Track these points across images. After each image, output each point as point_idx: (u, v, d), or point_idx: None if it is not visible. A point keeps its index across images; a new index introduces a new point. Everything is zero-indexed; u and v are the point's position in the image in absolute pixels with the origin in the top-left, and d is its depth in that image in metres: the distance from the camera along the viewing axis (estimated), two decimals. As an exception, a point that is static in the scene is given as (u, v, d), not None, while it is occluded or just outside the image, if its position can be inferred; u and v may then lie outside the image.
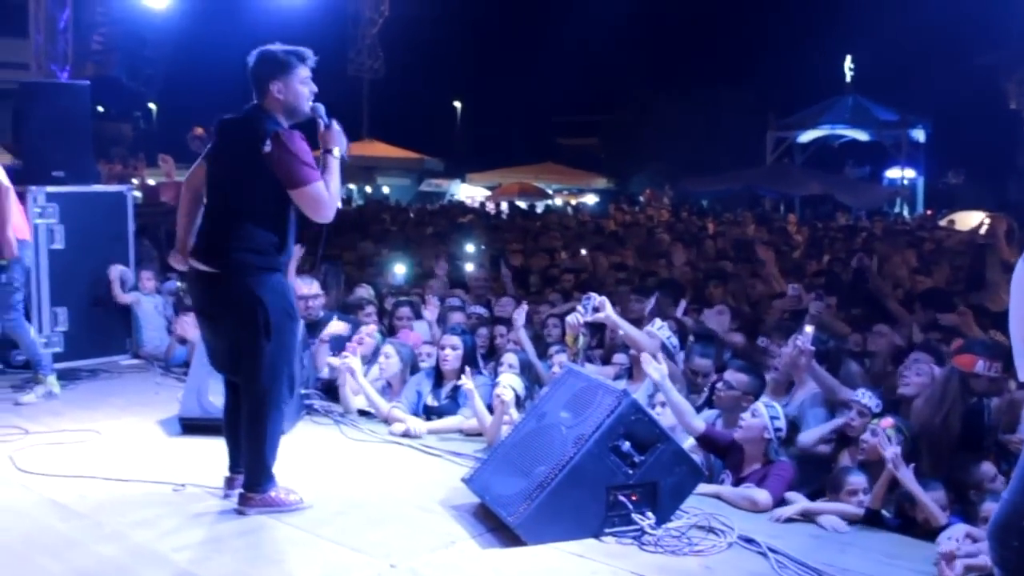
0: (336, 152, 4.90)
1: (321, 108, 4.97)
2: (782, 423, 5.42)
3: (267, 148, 4.66)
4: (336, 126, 4.97)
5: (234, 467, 5.15)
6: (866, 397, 5.56)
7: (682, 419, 5.64)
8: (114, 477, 5.41)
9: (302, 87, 4.88)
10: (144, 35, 13.10)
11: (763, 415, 5.40)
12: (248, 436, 4.92)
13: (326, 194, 4.78)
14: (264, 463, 4.91)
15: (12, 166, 9.46)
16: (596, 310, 6.34)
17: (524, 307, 7.52)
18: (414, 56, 38.55)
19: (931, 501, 4.77)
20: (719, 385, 6.08)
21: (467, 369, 6.43)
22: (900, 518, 4.93)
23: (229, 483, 5.15)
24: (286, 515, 4.89)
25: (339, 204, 5.02)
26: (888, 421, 5.19)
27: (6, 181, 7.08)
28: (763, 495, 5.16)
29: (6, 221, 7.01)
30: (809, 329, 6.03)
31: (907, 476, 4.79)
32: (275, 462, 4.98)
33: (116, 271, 8.70)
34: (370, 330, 7.42)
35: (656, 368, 5.60)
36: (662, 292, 8.78)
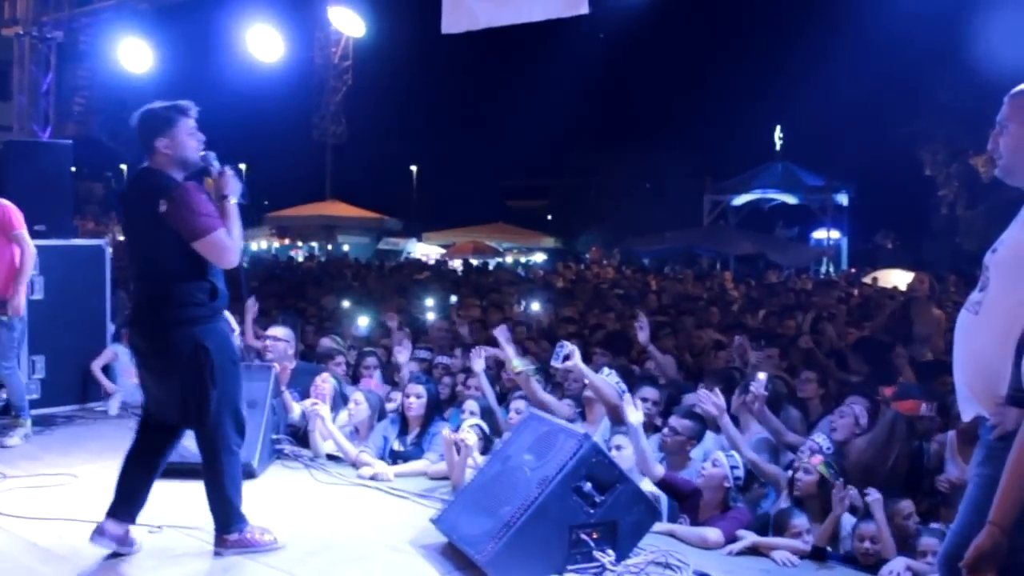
0: (232, 199, 4.72)
1: (212, 156, 4.79)
2: (741, 472, 5.42)
3: (163, 208, 4.49)
4: (229, 171, 4.79)
5: (114, 513, 4.76)
6: (820, 437, 5.61)
7: (645, 464, 5.60)
8: (92, 519, 5.19)
9: (189, 138, 4.69)
10: (124, 98, 13.00)
11: (724, 465, 5.39)
12: (209, 481, 4.78)
13: (228, 241, 4.60)
14: (231, 504, 4.77)
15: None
16: (567, 358, 6.31)
17: (483, 354, 7.45)
18: (374, 123, 38.72)
19: (889, 535, 4.79)
20: (665, 431, 6.08)
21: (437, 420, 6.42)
22: (843, 553, 4.94)
23: (100, 529, 4.72)
24: (261, 555, 4.76)
25: (241, 248, 4.79)
26: (817, 458, 5.25)
27: (32, 248, 7.12)
28: (714, 533, 5.15)
29: (24, 283, 7.08)
30: (762, 376, 6.08)
31: (881, 517, 4.83)
32: (241, 502, 4.83)
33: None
34: (325, 377, 7.31)
35: (635, 414, 5.58)
36: (608, 344, 8.85)
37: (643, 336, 7.89)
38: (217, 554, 4.76)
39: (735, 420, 6.19)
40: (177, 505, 5.53)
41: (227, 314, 5.20)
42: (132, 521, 4.83)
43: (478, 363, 7.19)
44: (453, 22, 8.15)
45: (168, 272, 4.59)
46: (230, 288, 4.84)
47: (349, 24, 12.78)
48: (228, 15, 12.29)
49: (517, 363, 6.82)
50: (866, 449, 5.56)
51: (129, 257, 4.86)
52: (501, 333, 7.13)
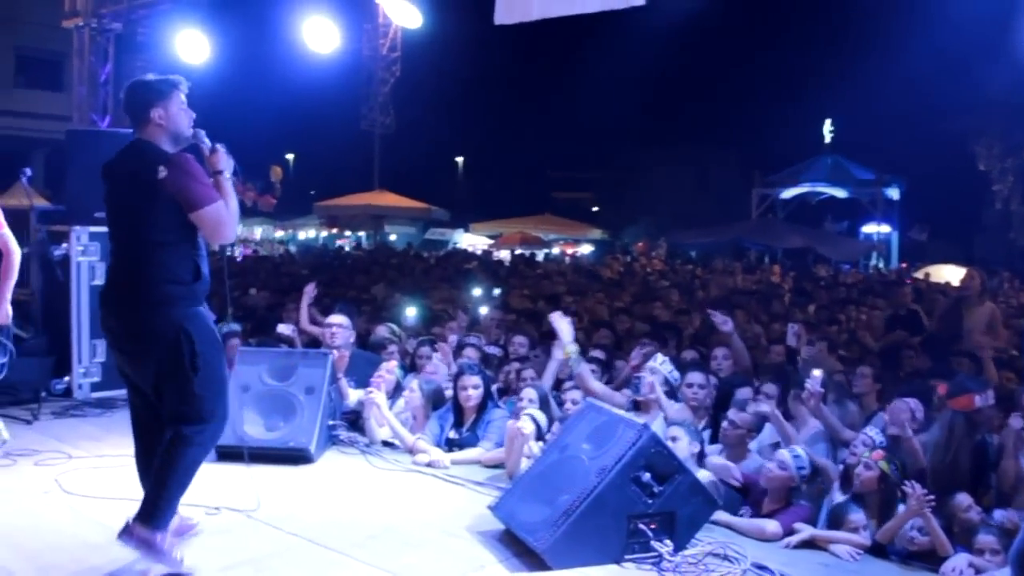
0: (227, 173, 4.54)
1: (202, 133, 4.63)
2: (806, 467, 5.39)
3: (162, 173, 4.27)
4: (221, 148, 4.60)
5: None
6: (872, 431, 5.57)
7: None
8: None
9: (181, 112, 4.52)
10: (181, 89, 13.18)
11: (790, 465, 5.36)
12: (160, 468, 4.34)
13: (226, 214, 4.42)
14: (167, 502, 4.32)
15: (52, 207, 9.55)
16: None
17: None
18: (422, 114, 38.85)
19: (943, 534, 4.74)
20: (724, 424, 6.08)
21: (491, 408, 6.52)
22: (903, 549, 4.90)
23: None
24: (160, 563, 4.27)
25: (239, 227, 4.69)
26: (879, 453, 5.20)
27: (17, 248, 6.29)
28: (772, 525, 5.14)
29: (9, 288, 6.26)
30: (818, 373, 6.05)
31: (933, 521, 4.76)
32: (176, 505, 4.42)
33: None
34: (391, 366, 7.39)
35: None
36: (660, 334, 8.85)
37: (727, 328, 7.81)
38: (121, 540, 4.27)
39: (787, 414, 6.20)
40: (235, 488, 5.63)
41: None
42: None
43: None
44: (506, 13, 8.15)
45: (154, 244, 4.34)
46: (212, 281, 4.61)
47: (406, 15, 12.82)
48: (282, 7, 12.43)
49: (570, 348, 6.82)
50: (928, 451, 5.49)
51: (111, 231, 4.60)
52: (559, 319, 7.10)
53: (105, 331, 4.66)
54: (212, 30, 12.14)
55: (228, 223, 4.44)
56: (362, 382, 7.34)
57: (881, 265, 31.79)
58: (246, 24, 15.13)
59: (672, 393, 6.58)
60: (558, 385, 7.33)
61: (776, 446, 5.86)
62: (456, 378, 6.90)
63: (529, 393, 6.71)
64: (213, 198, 4.36)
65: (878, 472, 5.12)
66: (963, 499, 5.05)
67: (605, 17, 7.90)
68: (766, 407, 5.95)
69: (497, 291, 14.24)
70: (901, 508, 5.04)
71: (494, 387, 7.39)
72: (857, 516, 5.11)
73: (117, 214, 4.54)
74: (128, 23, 12.64)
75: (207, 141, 4.62)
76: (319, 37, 11.80)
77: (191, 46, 11.95)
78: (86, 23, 12.59)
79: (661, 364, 6.65)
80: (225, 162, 4.55)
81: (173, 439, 4.35)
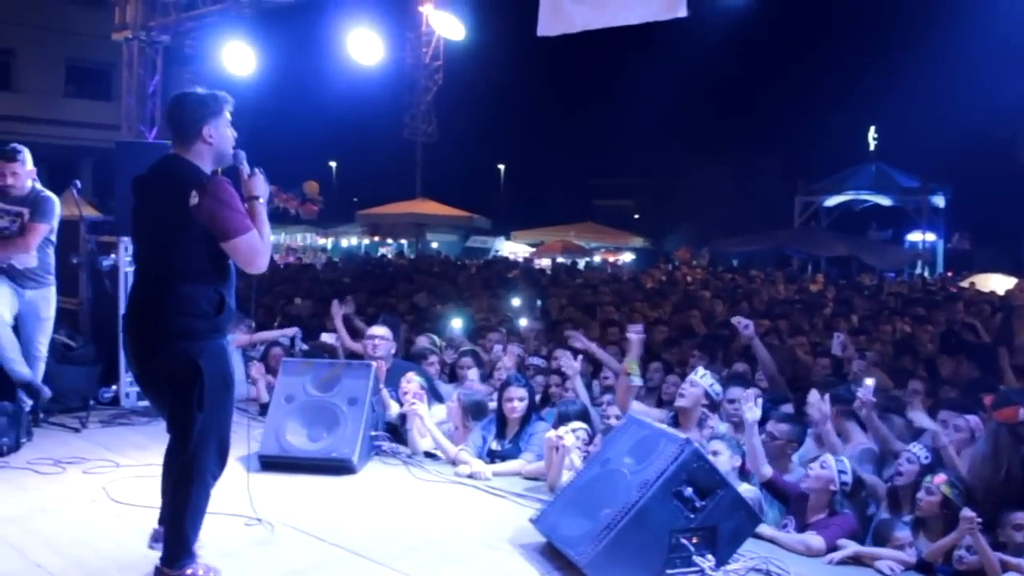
0: (262, 200, 4.38)
1: (243, 155, 4.47)
2: (848, 476, 5.33)
3: (194, 200, 4.10)
4: (259, 172, 4.47)
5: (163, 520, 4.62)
6: (917, 448, 5.50)
7: (755, 463, 5.59)
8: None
9: (228, 130, 4.41)
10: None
11: (831, 467, 5.32)
12: (170, 507, 4.37)
13: (260, 244, 4.25)
14: (184, 538, 4.30)
15: (101, 218, 9.70)
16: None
17: (580, 359, 7.50)
18: (464, 122, 38.94)
19: (991, 553, 4.66)
20: (763, 437, 6.02)
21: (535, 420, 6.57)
22: (951, 568, 4.83)
23: (156, 535, 4.69)
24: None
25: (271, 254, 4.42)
26: (941, 477, 5.11)
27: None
28: (817, 540, 5.09)
29: None
30: (870, 382, 5.99)
31: (982, 540, 4.68)
32: (196, 539, 4.38)
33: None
34: (408, 377, 7.30)
35: (752, 410, 5.62)
36: (703, 346, 8.81)
37: (748, 332, 7.75)
38: None
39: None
40: (278, 499, 5.68)
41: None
42: None
43: (575, 367, 7.24)
44: (549, 25, 8.15)
45: (179, 273, 4.19)
46: (238, 305, 4.53)
47: (449, 27, 12.87)
48: (328, 19, 12.49)
49: (633, 365, 6.79)
50: (975, 464, 5.41)
51: (136, 250, 4.49)
52: (635, 332, 7.00)
53: (125, 354, 4.63)
54: (258, 42, 12.26)
55: (262, 252, 4.28)
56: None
57: (926, 273, 31.42)
58: (291, 35, 15.26)
59: (714, 407, 6.53)
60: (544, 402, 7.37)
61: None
62: (501, 389, 6.90)
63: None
64: (247, 227, 4.19)
65: (940, 497, 5.04)
66: (1018, 516, 4.95)
67: (648, 26, 7.86)
68: (816, 411, 5.89)
69: (538, 302, 14.21)
70: None
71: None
72: (903, 533, 5.07)
73: (143, 235, 4.43)
74: (176, 35, 12.81)
75: (247, 165, 4.48)
76: (364, 49, 11.87)
77: (238, 58, 12.07)
78: (135, 35, 12.77)
79: (702, 377, 6.55)
80: (263, 188, 4.42)
81: (178, 476, 4.30)
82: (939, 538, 4.99)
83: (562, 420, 6.56)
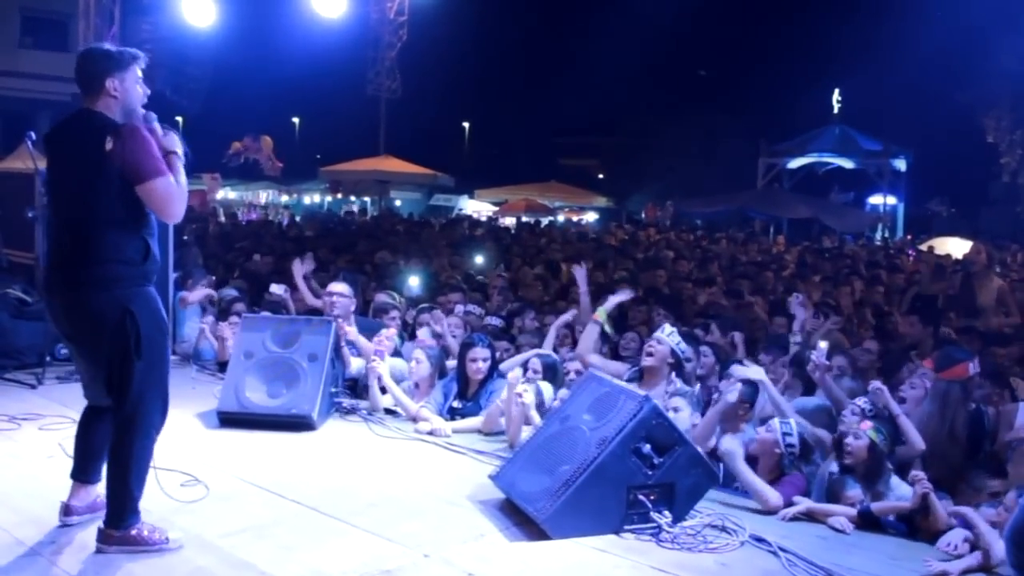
0: (178, 154, 4.31)
1: (154, 116, 4.38)
2: (795, 439, 5.36)
3: (108, 145, 4.05)
4: (173, 133, 4.39)
5: (78, 472, 4.54)
6: (861, 401, 5.62)
7: (703, 436, 5.63)
8: (157, 466, 5.29)
9: (137, 86, 4.31)
10: (188, 52, 13.06)
11: (776, 430, 5.37)
12: (112, 465, 4.22)
13: (176, 189, 4.19)
14: (130, 497, 4.21)
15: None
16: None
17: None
18: (428, 79, 38.68)
19: (942, 508, 4.75)
20: (714, 396, 6.06)
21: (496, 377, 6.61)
22: (901, 522, 4.92)
23: (65, 508, 4.51)
24: (148, 555, 4.19)
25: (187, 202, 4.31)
26: (867, 424, 5.20)
27: None
28: (775, 496, 5.13)
29: None
30: (823, 344, 6.05)
31: (935, 500, 4.73)
32: (141, 496, 4.28)
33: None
34: (390, 333, 7.35)
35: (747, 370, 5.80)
36: (662, 305, 8.85)
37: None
38: (99, 552, 4.21)
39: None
40: (236, 454, 5.66)
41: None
42: (99, 480, 4.52)
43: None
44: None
45: (101, 221, 4.12)
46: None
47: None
48: (289, -30, 12.32)
49: (602, 311, 6.91)
50: (926, 422, 5.50)
51: (52, 205, 4.38)
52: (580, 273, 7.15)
53: (51, 316, 4.49)
54: (219, -7, 12.07)
55: (177, 198, 4.22)
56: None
57: (887, 235, 31.75)
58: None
59: (679, 365, 6.51)
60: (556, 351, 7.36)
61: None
62: (464, 349, 6.88)
63: (534, 363, 6.72)
64: (161, 171, 4.15)
65: (867, 441, 5.11)
66: (994, 484, 5.02)
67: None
68: (751, 376, 5.91)
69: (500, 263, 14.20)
70: (894, 480, 5.08)
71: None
72: (854, 492, 5.13)
73: (60, 188, 4.32)
74: (135, -17, 12.57)
75: (158, 125, 4.38)
76: (326, 1, 11.72)
77: (197, 9, 11.87)
78: (91, -16, 12.51)
79: (668, 335, 6.48)
80: (175, 144, 4.34)
81: (117, 432, 4.23)
82: (863, 481, 5.10)
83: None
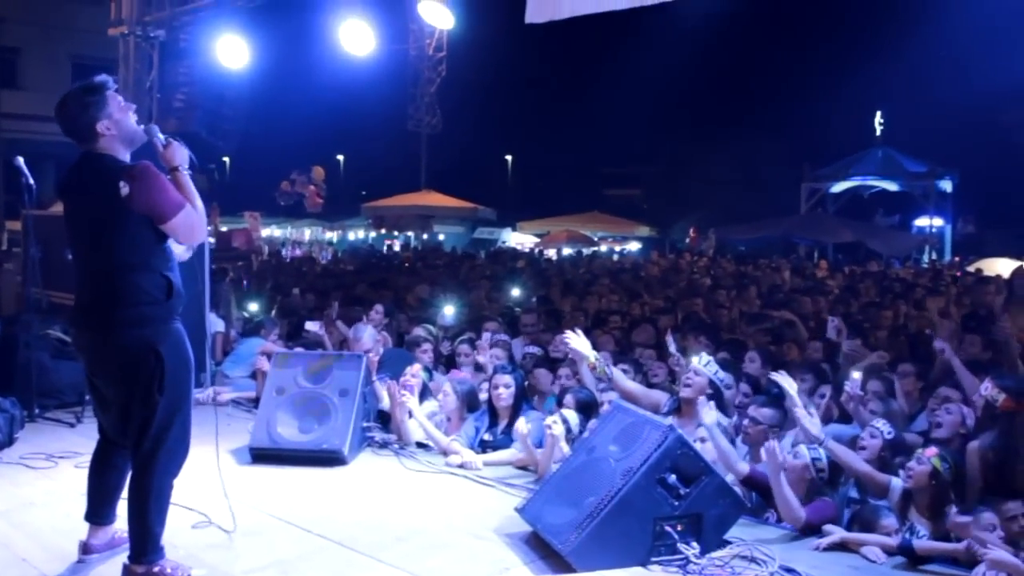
0: (184, 167, 4.32)
1: (155, 128, 4.41)
2: (824, 463, 5.29)
3: (124, 191, 4.05)
4: (175, 142, 4.40)
5: (92, 516, 4.59)
6: (880, 423, 5.52)
7: (727, 463, 5.51)
8: (181, 504, 5.09)
9: (124, 112, 4.29)
10: (223, 93, 13.27)
11: (805, 456, 5.29)
12: (133, 502, 4.23)
13: (195, 216, 4.24)
14: (151, 533, 4.23)
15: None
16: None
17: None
18: (469, 113, 38.91)
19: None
20: (745, 422, 5.97)
21: (525, 410, 6.51)
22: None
23: (84, 547, 4.58)
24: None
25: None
26: (932, 450, 5.06)
27: None
28: (800, 512, 5.04)
29: None
30: (856, 375, 5.95)
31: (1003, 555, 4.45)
32: (163, 532, 4.29)
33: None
34: (415, 370, 7.31)
35: (710, 414, 5.55)
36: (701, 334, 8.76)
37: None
38: None
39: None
40: (267, 490, 5.67)
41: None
42: (114, 520, 4.61)
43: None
44: (537, 11, 8.12)
45: (122, 264, 4.16)
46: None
47: (439, 17, 12.84)
48: (322, 10, 12.45)
49: (592, 358, 6.75)
50: (988, 455, 5.29)
51: (73, 251, 4.35)
52: (573, 340, 6.91)
53: (77, 348, 4.58)
54: (252, 35, 12.24)
55: (198, 225, 4.29)
56: (396, 378, 7.33)
57: (934, 257, 31.31)
58: (287, 28, 15.26)
59: (718, 395, 6.42)
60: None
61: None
62: (489, 379, 6.90)
63: (569, 400, 6.65)
64: (180, 203, 4.18)
65: (930, 468, 4.98)
66: (1014, 507, 4.84)
67: (651, 11, 7.77)
68: (786, 384, 5.79)
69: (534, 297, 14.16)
70: (953, 510, 4.93)
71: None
72: (889, 521, 5.02)
73: (79, 236, 4.31)
74: (171, 30, 12.81)
75: (160, 136, 4.40)
76: (356, 40, 11.84)
77: (232, 51, 12.06)
78: (131, 31, 12.79)
79: (705, 365, 6.40)
80: (180, 156, 4.34)
81: (138, 469, 4.25)
82: (924, 512, 4.98)
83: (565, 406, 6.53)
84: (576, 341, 6.85)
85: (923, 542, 4.79)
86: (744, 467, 5.52)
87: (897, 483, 5.22)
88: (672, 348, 7.62)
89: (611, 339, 8.96)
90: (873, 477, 5.33)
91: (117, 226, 4.14)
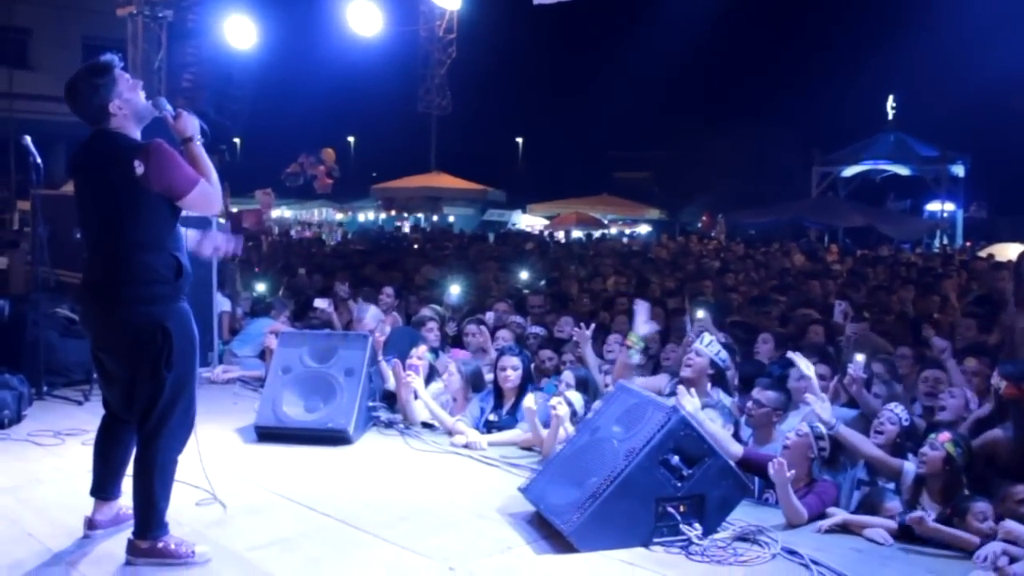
0: (196, 139, 4.32)
1: (163, 100, 4.41)
2: (826, 443, 5.29)
3: (140, 170, 4.06)
4: (184, 112, 4.39)
5: (98, 491, 4.61)
6: (899, 408, 5.49)
7: (719, 446, 5.50)
8: (185, 481, 5.04)
9: (132, 90, 4.29)
10: (230, 73, 13.27)
11: (808, 434, 5.28)
12: (138, 478, 4.25)
13: (211, 188, 4.26)
14: (155, 508, 4.25)
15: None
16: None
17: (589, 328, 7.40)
18: (479, 95, 38.82)
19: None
20: (749, 404, 5.97)
21: (530, 390, 6.49)
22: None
23: (89, 523, 4.61)
24: (174, 569, 4.22)
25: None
26: (946, 435, 5.04)
27: None
28: (803, 515, 5.01)
29: None
30: (860, 358, 5.94)
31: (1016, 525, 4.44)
32: (167, 508, 4.32)
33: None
34: (421, 351, 7.32)
35: (689, 401, 5.52)
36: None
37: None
38: (128, 563, 4.27)
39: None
40: (271, 468, 5.69)
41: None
42: (119, 496, 4.64)
43: (584, 335, 7.14)
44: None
45: (133, 243, 4.16)
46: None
47: (446, -3, 12.81)
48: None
49: (634, 338, 6.72)
50: (1003, 442, 5.26)
51: (84, 229, 4.34)
52: (641, 305, 6.94)
53: (84, 327, 4.63)
54: (259, 16, 12.24)
55: (215, 197, 4.32)
56: (402, 358, 7.35)
57: (945, 241, 31.18)
58: (298, 9, 15.25)
59: (720, 376, 6.42)
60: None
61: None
62: (496, 359, 6.91)
63: (567, 376, 6.69)
64: (195, 179, 4.20)
65: (943, 453, 4.96)
66: (1020, 490, 4.84)
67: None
68: (803, 367, 5.82)
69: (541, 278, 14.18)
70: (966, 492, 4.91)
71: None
72: (894, 503, 5.02)
73: (90, 213, 4.29)
74: (179, 10, 12.81)
75: (168, 108, 4.39)
76: (363, 20, 11.82)
77: (239, 31, 12.06)
78: (139, 11, 12.78)
79: (708, 345, 6.40)
80: (192, 126, 4.34)
81: (143, 445, 4.27)
82: (937, 498, 4.96)
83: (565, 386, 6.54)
84: (642, 308, 6.86)
85: (928, 524, 4.77)
86: (738, 449, 5.51)
87: (910, 467, 5.21)
88: (689, 330, 7.59)
89: (624, 319, 8.93)
90: (885, 462, 5.32)
91: (131, 205, 4.15)
